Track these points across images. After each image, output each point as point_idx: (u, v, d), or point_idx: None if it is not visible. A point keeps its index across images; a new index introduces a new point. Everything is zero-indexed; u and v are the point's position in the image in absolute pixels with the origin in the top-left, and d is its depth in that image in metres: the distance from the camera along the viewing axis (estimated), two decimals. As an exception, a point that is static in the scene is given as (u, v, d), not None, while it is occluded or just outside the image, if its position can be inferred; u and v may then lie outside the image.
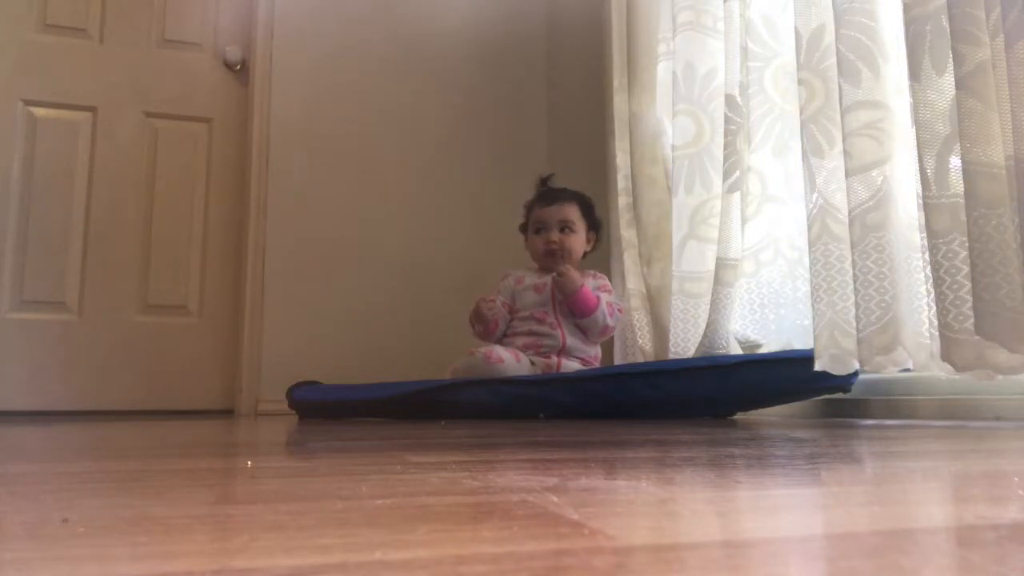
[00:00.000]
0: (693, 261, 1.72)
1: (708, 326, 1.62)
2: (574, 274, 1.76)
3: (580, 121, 2.42)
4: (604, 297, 1.80)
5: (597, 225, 1.89)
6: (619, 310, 1.84)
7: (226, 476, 0.57)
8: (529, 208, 1.90)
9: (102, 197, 2.38)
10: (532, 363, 1.74)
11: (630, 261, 1.95)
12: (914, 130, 1.19)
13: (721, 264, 1.60)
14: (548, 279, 1.81)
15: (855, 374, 1.36)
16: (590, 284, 1.78)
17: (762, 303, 1.64)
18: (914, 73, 1.18)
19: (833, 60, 1.35)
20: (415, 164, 2.56)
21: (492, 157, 2.60)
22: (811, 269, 1.37)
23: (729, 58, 1.63)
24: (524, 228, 1.92)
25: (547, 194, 1.88)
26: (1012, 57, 1.03)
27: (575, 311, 1.77)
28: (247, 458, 0.76)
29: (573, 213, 1.84)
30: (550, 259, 1.81)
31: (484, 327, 1.80)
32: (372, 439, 0.98)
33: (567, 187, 1.91)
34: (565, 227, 1.83)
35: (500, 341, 1.84)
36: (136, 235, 2.40)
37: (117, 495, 0.46)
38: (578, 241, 1.84)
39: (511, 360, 1.68)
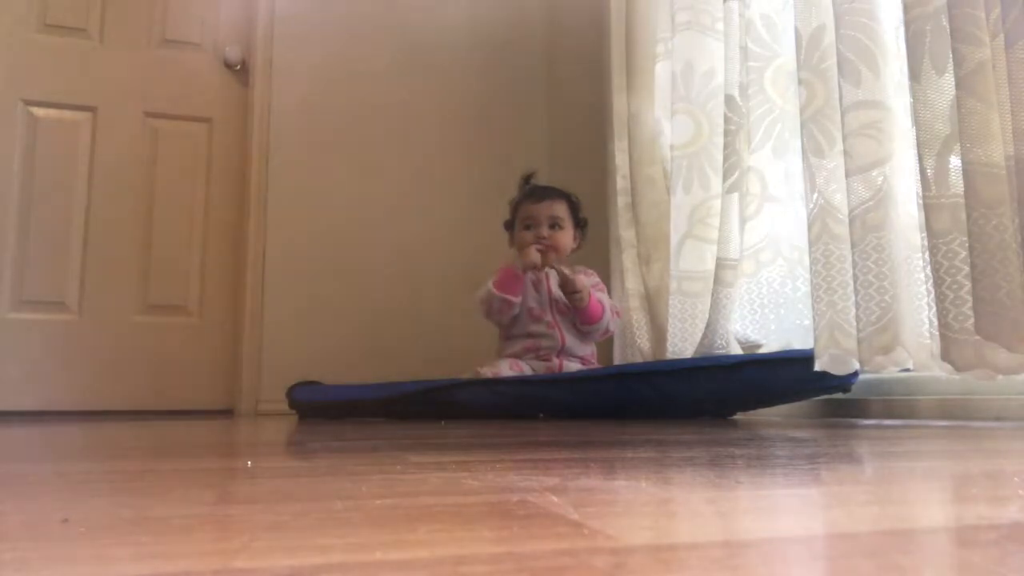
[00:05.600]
0: (692, 261, 1.72)
1: (708, 326, 1.62)
2: (582, 282, 1.76)
3: (580, 121, 2.42)
4: (606, 301, 1.81)
5: (583, 224, 1.89)
6: (617, 314, 1.85)
7: (226, 476, 0.57)
8: (516, 205, 1.90)
9: (102, 197, 2.38)
10: (532, 370, 1.75)
11: (629, 261, 1.95)
12: (914, 130, 1.19)
13: (721, 264, 1.60)
14: (542, 275, 1.81)
15: (855, 374, 1.36)
16: (584, 283, 1.79)
17: (762, 303, 1.64)
18: (914, 73, 1.18)
19: (833, 60, 1.35)
20: (415, 164, 2.56)
21: (492, 157, 2.60)
22: (811, 269, 1.37)
23: (728, 58, 1.63)
24: (508, 225, 1.92)
25: (536, 191, 1.88)
26: (1012, 57, 1.03)
27: (581, 319, 1.78)
28: (247, 458, 0.76)
29: (562, 211, 1.84)
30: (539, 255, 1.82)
31: (517, 283, 1.76)
32: (372, 439, 0.98)
33: (553, 185, 1.91)
34: (555, 224, 1.83)
35: (500, 347, 1.84)
36: (136, 235, 2.40)
37: (117, 495, 0.46)
38: (567, 239, 1.83)
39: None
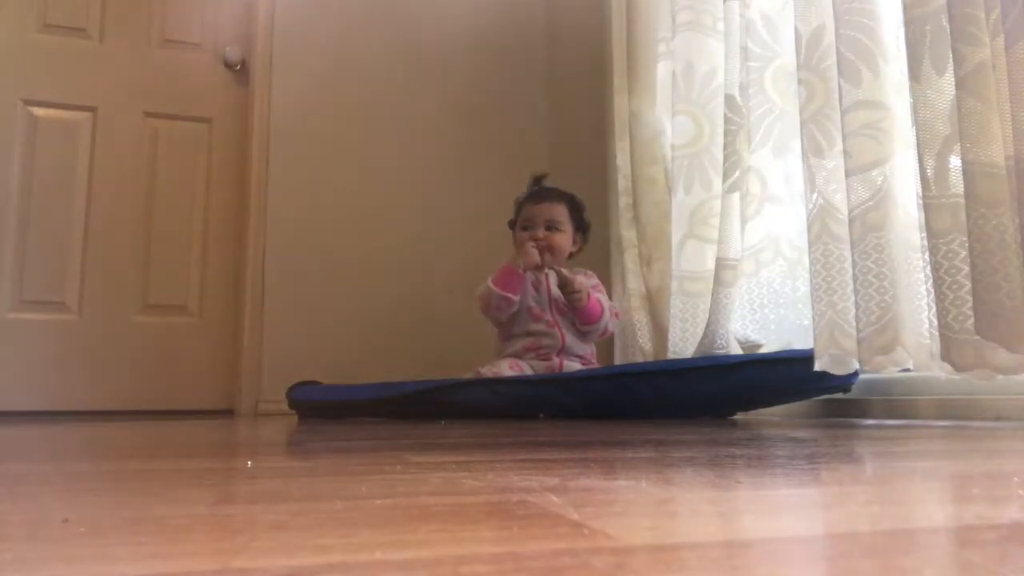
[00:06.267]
0: (692, 261, 1.72)
1: (708, 326, 1.62)
2: (581, 282, 1.77)
3: (580, 121, 2.42)
4: (604, 301, 1.81)
5: (585, 227, 1.89)
6: (616, 314, 1.85)
7: (226, 476, 0.57)
8: (519, 205, 1.91)
9: (102, 197, 2.38)
10: (532, 368, 1.75)
11: (630, 261, 1.95)
12: (914, 130, 1.19)
13: (721, 264, 1.60)
14: (542, 276, 1.82)
15: (855, 374, 1.36)
16: (584, 283, 1.79)
17: (762, 303, 1.64)
18: (914, 73, 1.18)
19: (833, 60, 1.35)
20: (415, 164, 2.56)
21: (492, 157, 2.60)
22: (811, 269, 1.37)
23: (729, 58, 1.63)
24: (513, 224, 1.93)
25: (537, 193, 1.89)
26: (1012, 57, 1.03)
27: (580, 319, 1.78)
28: (247, 458, 0.76)
29: (561, 213, 1.85)
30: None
31: (517, 281, 1.77)
32: (372, 439, 0.98)
33: (558, 187, 1.91)
34: (552, 226, 1.83)
35: (499, 347, 1.84)
36: (136, 235, 2.40)
37: (117, 495, 0.46)
38: (564, 240, 1.84)
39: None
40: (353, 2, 2.58)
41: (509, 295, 1.77)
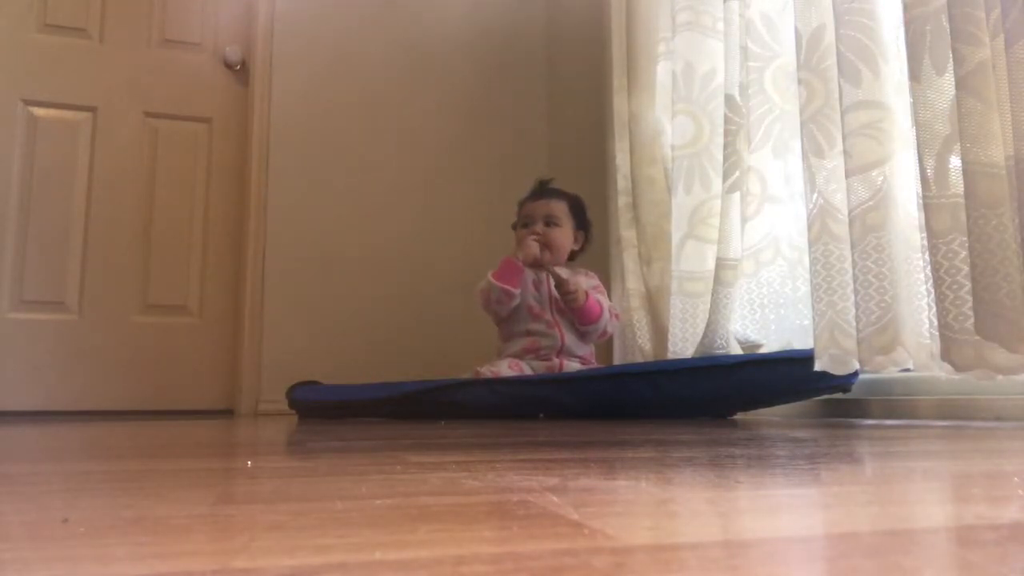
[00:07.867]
0: (692, 261, 1.72)
1: (708, 326, 1.62)
2: (578, 282, 1.77)
3: (580, 121, 2.42)
4: (604, 303, 1.81)
5: (586, 226, 1.89)
6: (616, 316, 1.85)
7: (226, 476, 0.57)
8: (521, 205, 1.91)
9: (102, 197, 2.38)
10: (531, 369, 1.75)
11: (630, 261, 1.95)
12: (914, 130, 1.19)
13: (721, 264, 1.60)
14: (543, 276, 1.82)
15: (855, 374, 1.36)
16: (583, 283, 1.79)
17: (762, 303, 1.63)
18: (914, 73, 1.18)
19: (833, 60, 1.35)
20: (415, 164, 2.56)
21: (492, 157, 2.60)
22: (811, 269, 1.37)
23: (729, 58, 1.63)
24: (515, 227, 1.93)
25: (538, 190, 1.90)
26: (1012, 57, 1.03)
27: (578, 319, 1.78)
28: (247, 458, 0.76)
29: (560, 209, 1.85)
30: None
31: (517, 275, 1.77)
32: (372, 439, 0.98)
33: (561, 188, 1.92)
34: (550, 221, 1.83)
35: (500, 347, 1.84)
36: (136, 235, 2.40)
37: (117, 495, 0.46)
38: (562, 235, 1.84)
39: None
40: (353, 2, 2.58)
41: (509, 288, 1.77)
